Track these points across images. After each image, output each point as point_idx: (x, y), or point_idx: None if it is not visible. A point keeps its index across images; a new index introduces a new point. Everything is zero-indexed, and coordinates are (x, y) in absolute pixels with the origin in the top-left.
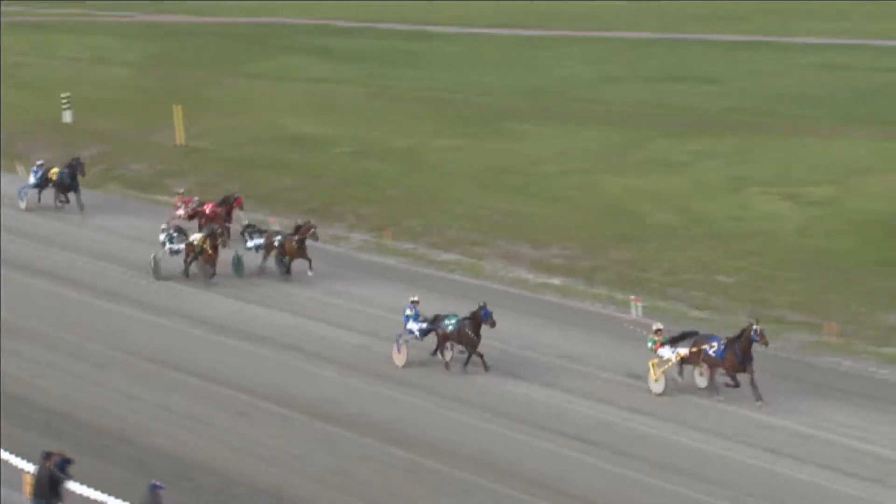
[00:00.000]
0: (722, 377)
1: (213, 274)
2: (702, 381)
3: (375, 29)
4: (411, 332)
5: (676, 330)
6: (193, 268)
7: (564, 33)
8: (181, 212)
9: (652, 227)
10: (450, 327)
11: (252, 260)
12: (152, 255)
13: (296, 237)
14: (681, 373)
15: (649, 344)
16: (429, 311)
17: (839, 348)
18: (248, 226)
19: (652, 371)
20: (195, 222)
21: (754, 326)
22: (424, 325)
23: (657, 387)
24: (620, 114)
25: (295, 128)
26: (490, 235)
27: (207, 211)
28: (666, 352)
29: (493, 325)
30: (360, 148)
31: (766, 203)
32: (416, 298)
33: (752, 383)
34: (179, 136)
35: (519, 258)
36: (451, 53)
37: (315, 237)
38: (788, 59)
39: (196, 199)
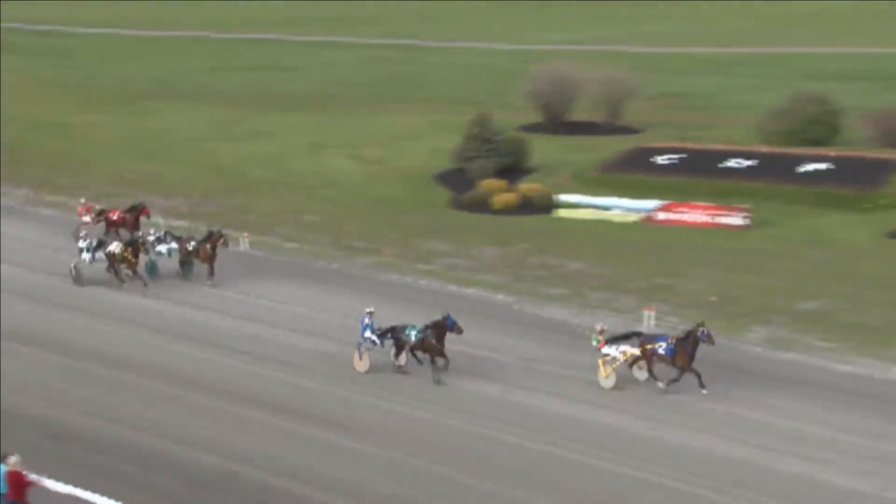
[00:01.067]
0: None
1: (134, 275)
2: (641, 375)
3: (33, 29)
4: (371, 340)
5: (619, 330)
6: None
7: (181, 34)
8: (87, 218)
9: (253, 182)
10: (412, 337)
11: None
12: (72, 264)
13: (208, 244)
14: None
15: (594, 342)
16: None
17: (393, 266)
18: (167, 233)
19: (602, 368)
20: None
21: (701, 329)
22: (386, 336)
23: (607, 383)
24: (225, 95)
25: None
26: (129, 190)
27: (115, 217)
28: (611, 350)
29: (460, 332)
30: (22, 123)
31: (337, 161)
32: (371, 309)
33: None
34: None
35: (153, 206)
36: (94, 48)
37: (225, 244)
38: (347, 54)
39: (96, 206)
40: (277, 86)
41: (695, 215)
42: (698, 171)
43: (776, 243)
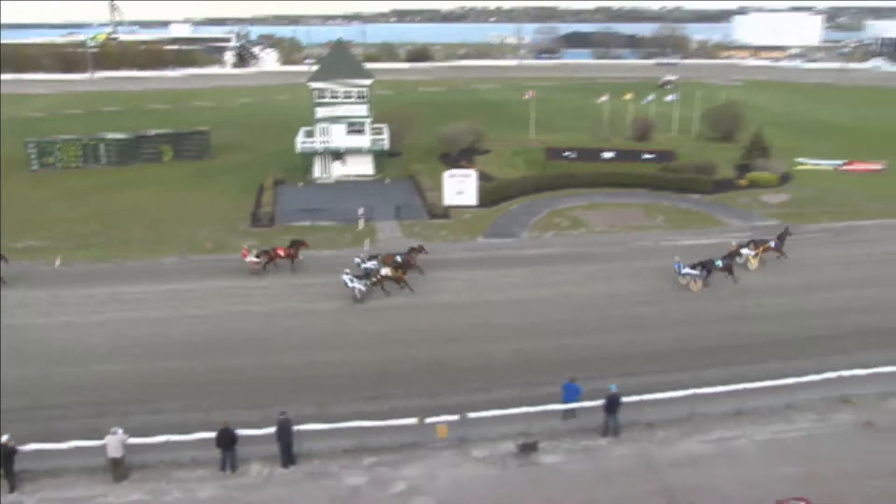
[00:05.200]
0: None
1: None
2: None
3: None
4: (692, 274)
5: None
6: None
7: None
8: (253, 258)
9: None
10: (719, 265)
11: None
12: (354, 292)
13: (414, 254)
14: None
15: (739, 259)
16: None
17: None
18: (373, 256)
19: (752, 262)
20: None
21: (788, 229)
22: (700, 268)
23: (754, 267)
24: None
25: None
26: None
27: (283, 253)
28: (745, 251)
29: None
30: None
31: None
32: (678, 258)
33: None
34: None
35: None
36: None
37: (425, 252)
38: None
39: (253, 249)
40: None
41: None
42: None
43: None
